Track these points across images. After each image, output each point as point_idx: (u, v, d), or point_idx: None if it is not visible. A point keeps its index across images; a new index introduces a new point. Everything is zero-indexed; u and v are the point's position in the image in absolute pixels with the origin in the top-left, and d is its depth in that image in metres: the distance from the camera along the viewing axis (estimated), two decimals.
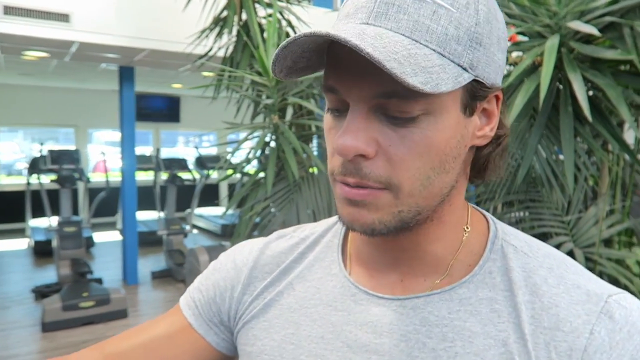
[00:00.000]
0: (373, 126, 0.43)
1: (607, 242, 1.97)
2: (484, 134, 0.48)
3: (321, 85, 0.48)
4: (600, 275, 1.83)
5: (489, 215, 0.55)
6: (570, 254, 1.77)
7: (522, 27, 1.62)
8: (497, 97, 0.48)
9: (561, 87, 1.61)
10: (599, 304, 0.45)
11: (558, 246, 1.80)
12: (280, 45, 0.43)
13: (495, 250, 0.51)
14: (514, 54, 1.82)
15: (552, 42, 1.44)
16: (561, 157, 1.65)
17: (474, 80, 0.44)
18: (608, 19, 1.50)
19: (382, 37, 0.40)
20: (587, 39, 1.58)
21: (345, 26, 0.42)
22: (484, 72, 0.45)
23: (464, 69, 0.43)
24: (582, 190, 1.88)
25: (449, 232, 0.51)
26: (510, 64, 1.80)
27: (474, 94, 0.46)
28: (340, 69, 0.44)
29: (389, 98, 0.42)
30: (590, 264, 1.79)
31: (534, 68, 1.59)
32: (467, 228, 0.52)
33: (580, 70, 1.46)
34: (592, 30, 1.36)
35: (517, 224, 2.07)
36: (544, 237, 1.96)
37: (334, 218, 0.61)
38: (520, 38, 1.79)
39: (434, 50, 0.42)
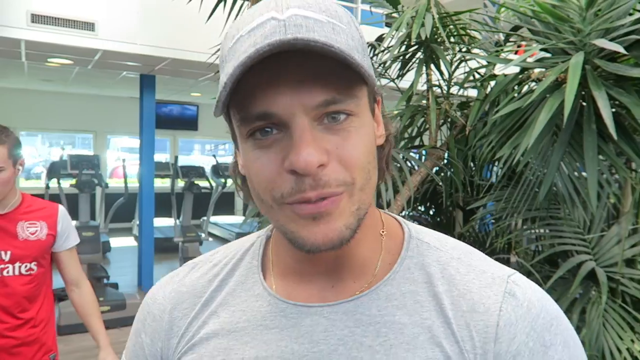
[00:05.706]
0: (318, 135, 0.44)
1: (630, 262, 1.93)
2: (380, 134, 0.53)
3: (238, 116, 0.46)
4: (622, 295, 1.80)
5: (398, 217, 0.59)
6: (592, 273, 1.74)
7: (546, 44, 1.62)
8: (377, 101, 0.53)
9: (584, 104, 1.60)
10: (502, 285, 0.51)
11: (579, 265, 1.77)
12: (245, 59, 0.42)
13: (411, 248, 0.55)
14: (537, 70, 1.81)
15: (577, 59, 1.43)
16: (584, 174, 1.64)
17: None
18: (634, 37, 1.49)
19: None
20: (612, 57, 1.57)
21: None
22: (372, 77, 0.47)
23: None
24: (605, 209, 1.85)
25: (370, 234, 0.54)
26: (533, 81, 1.79)
27: (373, 97, 0.51)
28: (269, 91, 0.44)
29: (327, 106, 0.44)
30: (612, 284, 1.76)
31: (557, 85, 1.58)
32: (383, 232, 0.56)
33: (604, 87, 1.45)
34: (617, 47, 1.35)
35: (536, 240, 2.05)
36: (564, 255, 1.93)
37: (247, 240, 0.62)
38: (542, 54, 1.79)
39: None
